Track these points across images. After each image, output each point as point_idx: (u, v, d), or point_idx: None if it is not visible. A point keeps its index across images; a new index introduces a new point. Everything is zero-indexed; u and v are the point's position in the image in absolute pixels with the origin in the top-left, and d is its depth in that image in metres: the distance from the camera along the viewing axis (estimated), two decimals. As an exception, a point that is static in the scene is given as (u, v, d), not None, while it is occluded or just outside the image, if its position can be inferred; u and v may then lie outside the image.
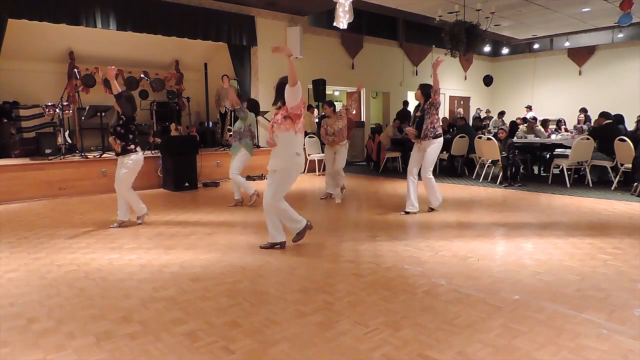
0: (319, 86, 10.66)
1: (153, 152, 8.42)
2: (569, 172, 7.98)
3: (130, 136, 5.09)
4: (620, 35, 14.50)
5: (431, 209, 5.96)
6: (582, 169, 8.14)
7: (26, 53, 8.88)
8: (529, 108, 13.67)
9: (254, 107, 6.67)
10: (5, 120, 8.21)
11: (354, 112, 7.13)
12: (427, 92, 5.80)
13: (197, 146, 8.31)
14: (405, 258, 3.99)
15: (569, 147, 8.02)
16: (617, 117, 8.66)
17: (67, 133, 8.25)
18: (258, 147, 8.74)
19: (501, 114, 14.23)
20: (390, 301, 3.05)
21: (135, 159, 5.15)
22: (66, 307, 3.00)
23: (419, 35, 14.48)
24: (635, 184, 6.92)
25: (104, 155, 8.04)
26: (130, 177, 5.21)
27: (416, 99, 6.08)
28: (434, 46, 14.55)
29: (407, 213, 5.80)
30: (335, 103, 7.39)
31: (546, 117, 11.13)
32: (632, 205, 6.22)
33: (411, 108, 15.20)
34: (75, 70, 9.08)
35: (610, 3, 10.47)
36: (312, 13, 11.51)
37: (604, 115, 8.35)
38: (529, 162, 9.48)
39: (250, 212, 6.11)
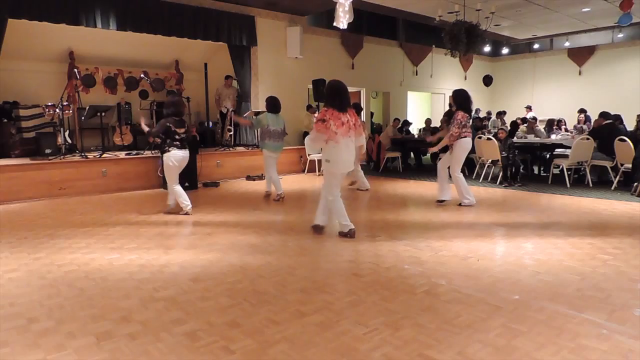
0: (319, 86, 10.66)
1: (153, 152, 8.42)
2: (569, 172, 7.98)
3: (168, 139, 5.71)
4: (620, 35, 14.49)
5: (459, 205, 6.28)
6: (582, 169, 8.14)
7: (26, 53, 8.89)
8: (529, 108, 13.67)
9: (274, 105, 6.81)
10: (5, 120, 8.22)
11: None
12: (455, 100, 6.19)
13: (197, 146, 8.32)
14: (405, 258, 3.99)
15: (569, 147, 8.02)
16: (615, 118, 8.64)
17: (67, 133, 8.25)
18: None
19: (499, 113, 14.23)
20: (390, 301, 3.05)
21: (166, 157, 5.77)
22: (66, 307, 3.00)
23: (419, 35, 14.49)
24: (635, 184, 6.91)
25: (104, 155, 8.04)
26: (167, 173, 5.80)
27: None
28: (434, 46, 14.55)
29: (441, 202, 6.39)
30: None
31: (551, 118, 11.12)
32: (632, 205, 6.22)
33: (412, 108, 15.26)
34: (75, 70, 9.08)
35: (610, 3, 10.47)
36: (312, 13, 11.51)
37: (603, 115, 8.35)
38: (529, 162, 9.47)
39: (250, 213, 6.11)
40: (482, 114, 14.81)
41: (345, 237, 4.63)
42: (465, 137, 6.05)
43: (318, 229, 4.85)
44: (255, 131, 9.96)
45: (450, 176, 6.37)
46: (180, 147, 5.71)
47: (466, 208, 6.17)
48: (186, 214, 5.85)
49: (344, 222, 4.66)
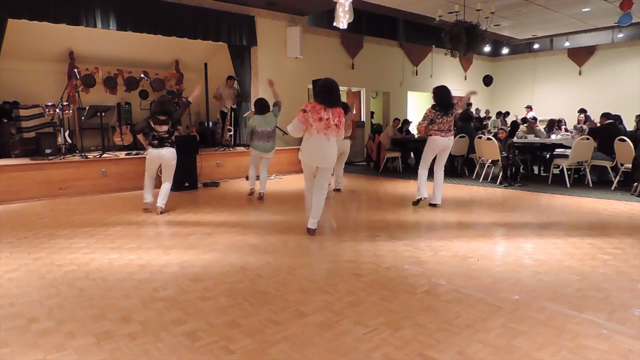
0: (318, 86, 10.66)
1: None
2: (569, 172, 7.98)
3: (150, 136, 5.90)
4: (620, 35, 14.49)
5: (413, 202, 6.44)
6: (582, 169, 8.14)
7: (26, 53, 8.88)
8: (529, 108, 13.67)
9: (261, 106, 6.85)
10: (5, 120, 8.21)
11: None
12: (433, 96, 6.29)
13: (197, 146, 8.31)
14: (405, 258, 3.99)
15: (569, 147, 8.02)
16: (615, 118, 8.65)
17: (67, 133, 8.25)
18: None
19: (499, 114, 14.20)
20: (390, 301, 3.05)
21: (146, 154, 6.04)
22: (66, 307, 3.00)
23: (419, 35, 14.48)
24: (635, 184, 6.92)
25: (104, 155, 8.04)
26: (146, 165, 6.05)
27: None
28: (434, 46, 14.55)
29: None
30: None
31: (552, 118, 11.12)
32: (632, 205, 6.22)
33: (412, 108, 15.25)
34: (75, 70, 9.07)
35: (610, 3, 10.47)
36: (312, 13, 11.50)
37: (605, 116, 8.36)
38: (529, 162, 9.48)
39: (250, 212, 6.12)
40: (481, 114, 14.82)
41: (308, 234, 4.78)
42: (431, 135, 6.07)
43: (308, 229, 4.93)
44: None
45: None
46: (157, 146, 5.80)
47: (467, 208, 6.17)
48: (145, 209, 5.99)
49: (309, 215, 4.85)
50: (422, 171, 6.29)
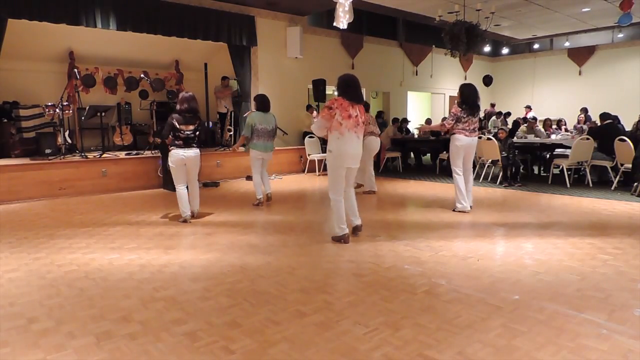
0: (319, 86, 10.66)
1: (153, 152, 8.42)
2: (569, 172, 7.97)
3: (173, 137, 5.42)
4: (620, 35, 14.49)
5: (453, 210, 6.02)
6: (582, 169, 8.14)
7: (26, 53, 8.88)
8: (529, 108, 13.67)
9: (262, 103, 6.46)
10: (5, 120, 8.22)
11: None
12: (459, 95, 5.96)
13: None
14: (405, 258, 3.99)
15: (569, 147, 8.02)
16: (613, 119, 8.65)
17: (67, 133, 8.25)
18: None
19: (499, 114, 14.20)
20: (390, 301, 3.05)
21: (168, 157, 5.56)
22: (66, 307, 3.00)
23: (419, 35, 14.48)
24: (635, 184, 6.92)
25: (104, 155, 8.04)
26: (172, 174, 5.57)
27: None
28: (434, 46, 14.55)
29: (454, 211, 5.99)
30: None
31: (547, 118, 11.12)
32: (632, 205, 6.22)
33: (412, 108, 15.25)
34: (75, 70, 9.07)
35: (610, 3, 10.47)
36: (312, 13, 11.50)
37: (604, 116, 8.36)
38: (529, 162, 9.48)
39: (250, 212, 6.11)
40: (481, 114, 14.82)
41: (338, 242, 4.48)
42: (455, 133, 5.80)
43: (355, 230, 4.75)
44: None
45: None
46: (182, 146, 5.33)
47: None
48: (184, 221, 5.47)
49: (341, 225, 4.48)
50: (458, 176, 5.89)
